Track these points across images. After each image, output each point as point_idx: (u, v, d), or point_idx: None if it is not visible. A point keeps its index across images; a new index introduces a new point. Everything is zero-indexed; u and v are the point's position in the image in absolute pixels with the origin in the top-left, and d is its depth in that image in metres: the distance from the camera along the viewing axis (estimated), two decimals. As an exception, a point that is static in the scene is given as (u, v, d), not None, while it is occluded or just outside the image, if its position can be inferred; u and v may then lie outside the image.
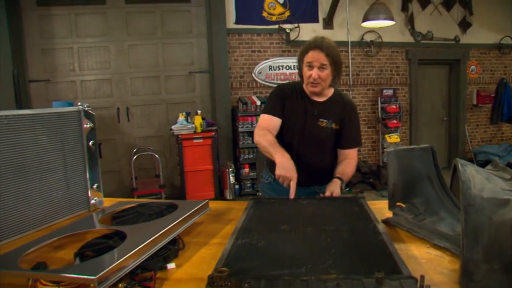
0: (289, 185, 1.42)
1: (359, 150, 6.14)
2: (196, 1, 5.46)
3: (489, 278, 0.74)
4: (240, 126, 5.23)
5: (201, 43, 5.53)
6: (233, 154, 5.54)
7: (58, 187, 1.37)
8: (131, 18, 5.26)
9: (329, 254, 0.89)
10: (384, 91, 6.04)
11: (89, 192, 1.51)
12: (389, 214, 1.27)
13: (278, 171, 1.44)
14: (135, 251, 0.89)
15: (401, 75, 6.25)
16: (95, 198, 1.53)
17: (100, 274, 0.77)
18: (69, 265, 0.93)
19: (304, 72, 1.69)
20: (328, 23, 5.79)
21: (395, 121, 5.98)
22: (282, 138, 1.71)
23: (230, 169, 5.10)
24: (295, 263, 0.85)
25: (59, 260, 1.03)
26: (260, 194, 1.90)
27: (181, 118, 4.88)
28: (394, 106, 5.98)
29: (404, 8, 6.03)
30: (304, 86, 1.75)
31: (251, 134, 5.05)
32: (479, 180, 0.81)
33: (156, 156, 4.83)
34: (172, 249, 1.03)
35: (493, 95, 6.54)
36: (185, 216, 1.17)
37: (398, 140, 5.95)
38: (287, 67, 5.68)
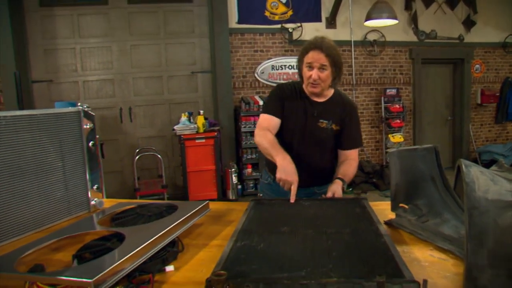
0: (289, 188, 1.41)
1: (362, 150, 6.11)
2: (198, 1, 5.45)
3: (494, 284, 0.72)
4: (242, 126, 5.22)
5: (203, 43, 5.52)
6: (235, 154, 5.53)
7: (57, 188, 1.37)
8: (133, 18, 5.26)
9: (329, 257, 0.87)
10: (388, 90, 6.00)
11: (89, 193, 1.50)
12: (391, 216, 1.25)
13: (279, 174, 1.43)
14: (133, 254, 0.88)
15: (404, 74, 6.21)
16: (95, 199, 1.52)
17: (97, 277, 0.76)
18: (66, 268, 0.92)
19: (304, 72, 1.67)
20: (331, 23, 5.76)
21: (398, 121, 5.95)
22: (282, 138, 1.69)
23: (233, 169, 5.09)
24: (295, 266, 0.83)
25: (57, 262, 1.02)
26: (261, 195, 1.88)
27: (184, 118, 4.88)
28: (397, 106, 5.94)
29: (408, 6, 5.98)
30: (304, 86, 1.74)
31: (253, 134, 5.03)
32: (483, 182, 0.79)
33: (159, 156, 4.83)
34: (171, 251, 1.02)
35: (497, 94, 6.49)
36: (184, 217, 1.16)
37: (402, 139, 5.92)
38: (290, 67, 5.67)
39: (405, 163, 1.23)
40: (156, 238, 0.98)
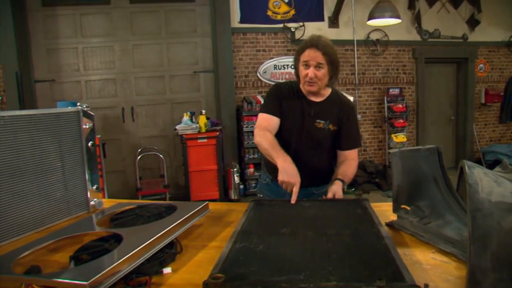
0: (291, 190, 1.40)
1: (365, 150, 6.08)
2: (200, 1, 5.44)
3: None
4: (245, 126, 5.20)
5: (205, 43, 5.51)
6: (237, 154, 5.52)
7: (56, 189, 1.36)
8: (136, 18, 5.26)
9: (329, 260, 0.86)
10: (391, 90, 5.96)
11: (89, 193, 1.49)
12: (393, 217, 1.23)
13: (281, 177, 1.42)
14: (130, 255, 0.87)
15: (407, 74, 6.17)
16: (95, 199, 1.51)
17: (93, 279, 0.76)
18: (62, 270, 0.91)
19: (301, 71, 1.66)
20: (334, 22, 5.74)
21: (401, 121, 5.91)
22: (280, 137, 1.69)
23: (235, 169, 5.07)
24: (294, 269, 0.82)
25: (54, 263, 1.01)
26: (261, 195, 1.87)
27: (186, 117, 4.87)
28: (400, 105, 5.90)
29: (411, 6, 5.94)
30: (300, 85, 1.72)
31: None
32: (487, 183, 0.77)
33: (161, 156, 4.82)
34: (169, 253, 1.00)
35: (502, 93, 6.43)
36: (183, 218, 1.15)
37: (405, 139, 5.88)
38: (292, 67, 5.56)
39: (407, 164, 1.21)
40: (154, 239, 0.97)
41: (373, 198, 5.07)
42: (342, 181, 1.57)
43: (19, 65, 4.65)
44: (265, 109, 1.74)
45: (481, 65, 6.45)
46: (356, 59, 5.86)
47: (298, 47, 1.69)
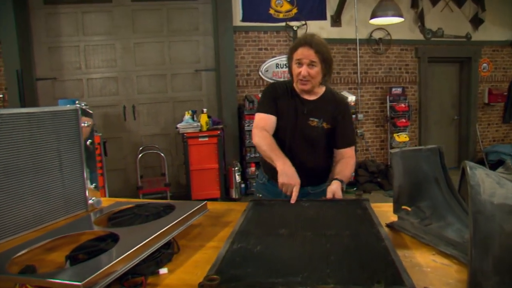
0: (291, 192, 1.40)
1: (367, 149, 6.05)
2: (202, -1, 5.43)
3: (499, 291, 0.69)
4: (246, 125, 5.19)
5: (207, 41, 5.49)
6: (239, 153, 5.51)
7: (54, 187, 1.35)
8: (137, 16, 5.25)
9: (327, 261, 0.84)
10: (393, 89, 5.93)
11: (87, 192, 1.48)
12: (394, 218, 1.22)
13: (281, 179, 1.43)
14: (126, 256, 0.86)
15: (410, 73, 6.14)
16: (93, 198, 1.50)
17: (87, 279, 0.74)
18: (57, 270, 0.90)
19: (294, 69, 1.66)
20: (336, 21, 5.71)
21: (404, 120, 5.88)
22: (275, 136, 1.68)
23: (236, 168, 5.06)
24: (291, 270, 0.80)
25: (50, 262, 1.00)
26: (259, 195, 1.86)
27: (187, 116, 4.86)
28: (403, 105, 5.87)
29: (414, 4, 5.90)
30: (294, 84, 1.72)
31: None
32: (489, 185, 0.75)
33: (162, 154, 4.82)
34: (166, 253, 0.99)
35: (505, 93, 6.39)
36: (181, 218, 1.13)
37: (407, 139, 5.85)
38: (294, 65, 5.62)
39: (408, 164, 1.19)
40: (151, 239, 0.95)
41: (375, 198, 5.05)
42: (341, 180, 1.56)
43: (21, 63, 4.65)
44: (262, 108, 1.74)
45: (485, 64, 6.40)
46: (358, 58, 5.83)
47: (291, 45, 1.69)
